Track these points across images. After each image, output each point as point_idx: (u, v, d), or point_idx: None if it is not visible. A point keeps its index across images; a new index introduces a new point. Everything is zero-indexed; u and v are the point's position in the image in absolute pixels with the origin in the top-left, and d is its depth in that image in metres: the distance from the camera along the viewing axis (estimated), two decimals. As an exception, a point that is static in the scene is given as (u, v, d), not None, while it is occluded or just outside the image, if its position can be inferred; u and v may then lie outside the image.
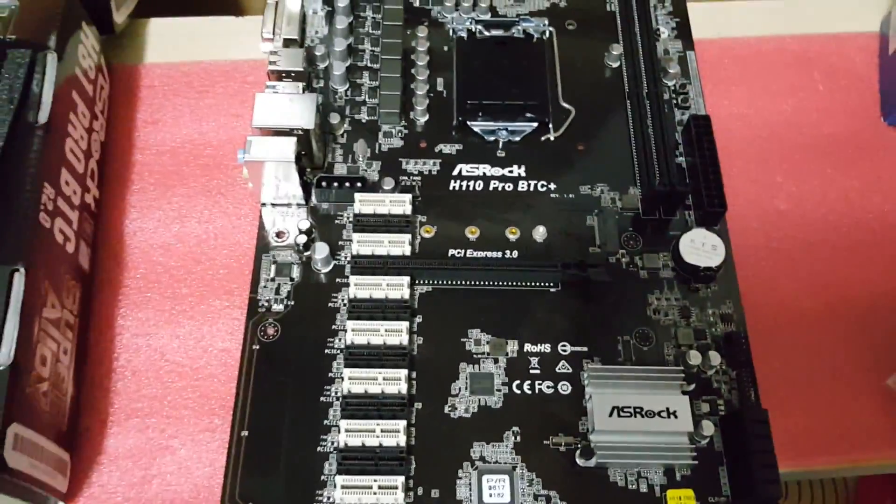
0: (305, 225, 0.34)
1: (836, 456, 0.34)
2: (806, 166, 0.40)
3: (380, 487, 0.29)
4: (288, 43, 0.37)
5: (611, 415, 0.30)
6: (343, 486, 0.29)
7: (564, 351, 0.32)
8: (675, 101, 0.39)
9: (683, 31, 0.40)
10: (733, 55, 0.43)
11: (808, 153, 0.40)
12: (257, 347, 0.32)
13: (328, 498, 0.29)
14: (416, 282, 0.33)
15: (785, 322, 0.36)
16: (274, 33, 0.38)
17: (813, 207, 0.39)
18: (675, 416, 0.30)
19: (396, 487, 0.29)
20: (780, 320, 0.36)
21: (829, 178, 0.39)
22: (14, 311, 0.28)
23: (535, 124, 0.37)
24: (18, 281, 0.29)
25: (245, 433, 0.30)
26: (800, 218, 0.38)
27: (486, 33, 0.40)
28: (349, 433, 0.30)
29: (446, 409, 0.31)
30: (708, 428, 0.30)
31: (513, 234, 0.35)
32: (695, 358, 0.32)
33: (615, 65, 0.39)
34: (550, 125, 0.38)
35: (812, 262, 0.37)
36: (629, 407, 0.30)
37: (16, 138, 0.31)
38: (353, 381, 0.30)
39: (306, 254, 0.34)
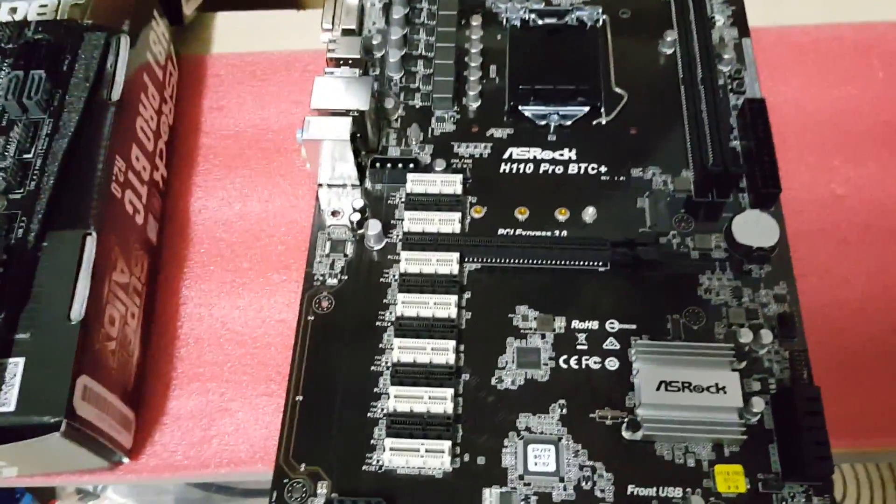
0: (359, 204, 0.35)
1: (890, 437, 0.33)
2: (863, 152, 0.39)
3: (427, 451, 0.29)
4: (346, 32, 0.39)
5: (658, 388, 0.30)
6: (392, 449, 0.29)
7: (612, 328, 0.33)
8: (730, 87, 0.38)
9: (739, 18, 0.40)
10: (790, 42, 0.42)
11: (866, 139, 0.39)
12: (312, 318, 0.33)
13: (377, 460, 0.30)
14: (466, 259, 0.34)
15: (839, 304, 0.35)
16: (333, 24, 0.39)
17: (870, 192, 0.38)
18: (725, 392, 0.30)
19: (443, 452, 0.29)
20: (835, 302, 0.35)
21: (886, 163, 0.39)
22: (86, 272, 0.30)
23: (587, 108, 0.38)
24: (91, 244, 0.30)
25: (300, 398, 0.31)
26: (857, 202, 0.38)
27: (540, 22, 0.40)
28: (398, 399, 0.30)
29: (493, 381, 0.32)
30: (758, 405, 0.30)
31: (562, 215, 0.35)
32: (746, 335, 0.31)
33: (669, 52, 0.40)
34: (602, 109, 0.38)
35: (868, 245, 0.36)
36: (677, 381, 0.30)
37: (91, 113, 0.33)
38: (402, 350, 0.31)
39: (360, 231, 0.35)
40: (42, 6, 0.37)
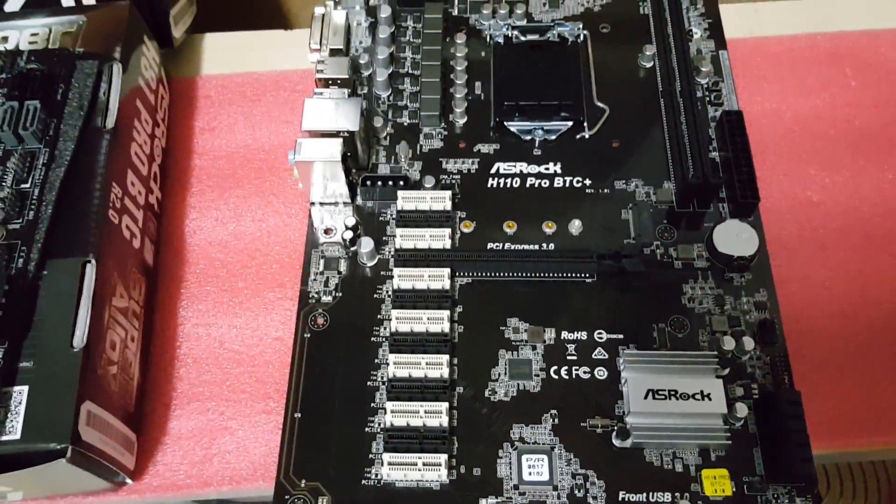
0: (351, 221, 0.36)
1: (870, 438, 0.34)
2: (838, 159, 0.40)
3: (424, 465, 0.30)
4: (334, 52, 0.40)
5: (646, 397, 0.31)
6: (390, 464, 0.30)
7: (600, 338, 0.34)
8: (708, 99, 0.39)
9: (715, 31, 0.41)
10: (765, 53, 0.44)
11: (841, 146, 0.41)
12: (308, 336, 0.34)
13: (376, 475, 0.31)
14: (457, 274, 0.35)
15: (818, 309, 0.36)
16: (321, 44, 0.40)
17: (845, 198, 0.39)
18: (710, 399, 0.31)
19: (440, 465, 0.30)
20: (814, 307, 0.36)
21: (861, 169, 0.40)
22: (87, 299, 0.30)
23: (571, 123, 0.39)
24: (90, 271, 0.31)
25: (298, 415, 0.32)
26: (833, 208, 0.39)
27: (523, 38, 0.41)
28: (394, 414, 0.31)
29: (486, 393, 0.32)
30: (742, 410, 0.31)
31: (549, 228, 0.36)
32: (728, 343, 0.32)
33: (648, 65, 0.41)
34: (585, 123, 0.39)
35: (844, 250, 0.38)
36: (664, 389, 0.31)
37: (86, 142, 0.34)
38: (397, 365, 0.32)
39: (352, 248, 0.36)
40: (33, 35, 0.37)
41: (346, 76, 0.38)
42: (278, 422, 0.32)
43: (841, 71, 0.43)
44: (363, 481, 0.31)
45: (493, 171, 0.38)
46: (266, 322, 0.37)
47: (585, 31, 0.42)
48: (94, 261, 0.31)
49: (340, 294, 0.35)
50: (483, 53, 0.41)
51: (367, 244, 0.35)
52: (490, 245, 0.36)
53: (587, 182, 0.37)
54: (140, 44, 0.39)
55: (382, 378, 0.33)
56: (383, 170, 0.38)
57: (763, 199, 0.35)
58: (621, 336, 0.34)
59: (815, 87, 0.42)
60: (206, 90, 0.44)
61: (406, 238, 0.35)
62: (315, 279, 0.35)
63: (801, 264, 0.37)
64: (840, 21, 0.45)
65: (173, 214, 0.40)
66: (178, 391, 0.36)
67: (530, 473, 0.31)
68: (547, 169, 0.38)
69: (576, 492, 0.30)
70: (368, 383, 0.33)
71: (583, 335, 0.34)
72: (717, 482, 0.30)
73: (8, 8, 0.41)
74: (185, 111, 0.43)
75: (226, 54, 0.45)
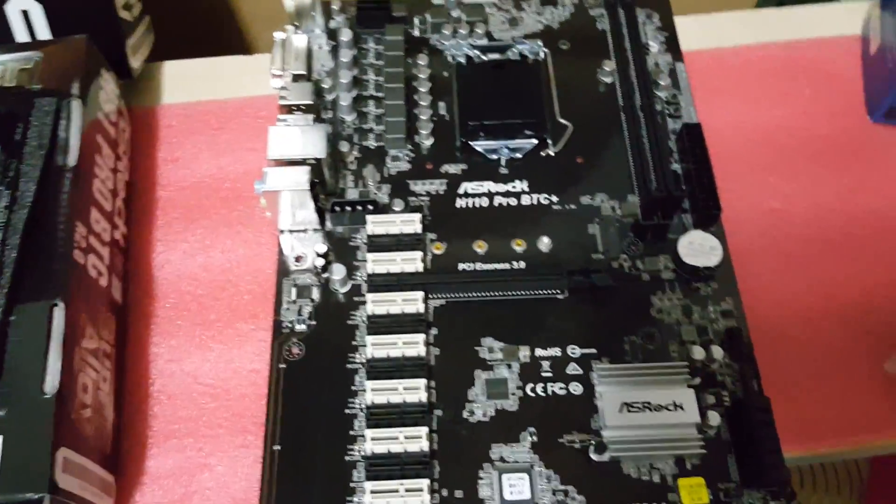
0: (322, 248, 0.36)
1: (839, 439, 0.35)
2: (797, 167, 0.41)
3: (406, 490, 0.30)
4: (297, 77, 0.39)
5: (621, 410, 0.32)
6: (372, 492, 0.30)
7: (574, 354, 0.34)
8: (667, 112, 0.40)
9: (672, 44, 0.42)
10: (722, 64, 0.45)
11: (799, 154, 0.42)
12: (284, 366, 0.33)
13: (359, 503, 0.31)
14: (430, 296, 0.35)
15: (783, 314, 0.37)
16: (283, 69, 0.40)
17: (805, 205, 0.40)
18: (682, 409, 0.31)
19: (422, 490, 0.30)
20: (779, 313, 0.37)
21: (819, 176, 0.41)
22: (56, 343, 0.30)
23: (535, 141, 0.39)
24: (59, 314, 0.31)
25: (277, 447, 0.32)
26: (793, 216, 0.40)
27: (484, 57, 0.42)
28: (375, 441, 0.31)
29: (465, 414, 0.33)
30: (714, 418, 0.32)
31: (519, 246, 0.37)
32: (698, 353, 0.33)
33: (608, 80, 0.41)
34: (549, 141, 0.39)
35: (806, 256, 0.39)
36: (638, 402, 0.32)
37: (48, 181, 0.33)
38: (375, 392, 0.32)
39: (324, 275, 0.36)
40: (-12, 73, 0.37)
41: (311, 102, 0.38)
42: (257, 455, 0.32)
43: (795, 80, 0.44)
44: (346, 511, 0.31)
45: (461, 191, 0.38)
46: (240, 354, 0.37)
47: (545, 49, 0.42)
48: (61, 304, 0.31)
49: (315, 322, 0.35)
50: (446, 73, 0.42)
51: (339, 271, 0.35)
52: (462, 266, 0.36)
53: (554, 199, 0.38)
54: (98, 77, 0.39)
55: (361, 405, 0.33)
56: (352, 194, 0.38)
57: (725, 208, 0.36)
58: (594, 350, 0.34)
59: (771, 96, 0.44)
60: (168, 120, 0.43)
61: (378, 262, 0.35)
62: (288, 308, 0.35)
63: (765, 272, 0.38)
64: (793, 30, 0.46)
65: (140, 249, 0.39)
66: (153, 430, 0.35)
67: (511, 493, 0.31)
68: (514, 187, 0.38)
69: (557, 509, 0.31)
70: (347, 411, 0.33)
71: (556, 351, 0.34)
72: (693, 490, 0.31)
73: (-40, 45, 0.40)
74: (147, 142, 0.42)
75: (186, 82, 0.45)
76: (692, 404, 0.32)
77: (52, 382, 0.29)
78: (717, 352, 0.33)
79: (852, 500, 0.51)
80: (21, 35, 0.40)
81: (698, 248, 0.35)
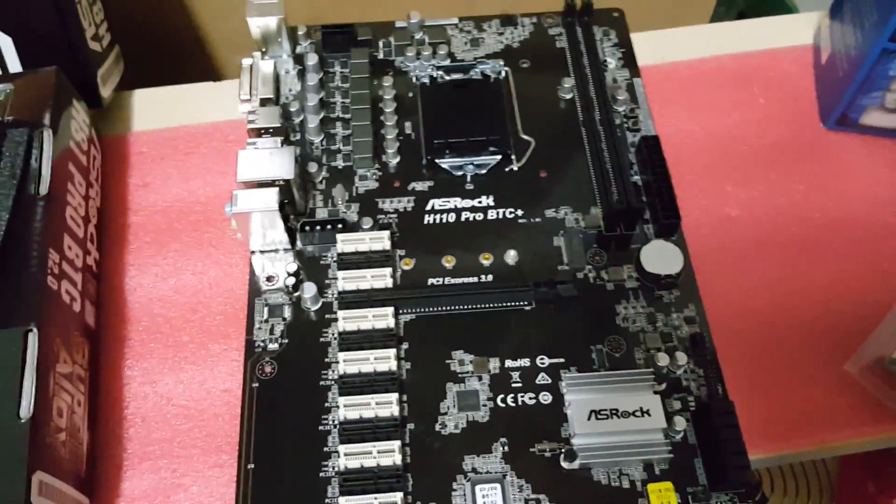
0: (293, 268, 0.37)
1: (803, 439, 0.36)
2: (752, 174, 0.43)
3: (380, 504, 0.31)
4: (264, 102, 0.40)
5: (589, 418, 0.32)
6: (346, 507, 0.31)
7: (543, 364, 0.35)
8: (626, 125, 0.42)
9: (629, 60, 0.44)
10: (677, 77, 0.46)
11: (754, 162, 0.43)
12: (256, 385, 0.34)
13: (334, 519, 0.31)
14: (400, 311, 0.36)
15: (745, 319, 0.38)
16: (251, 94, 0.40)
17: (762, 211, 0.41)
18: (649, 415, 0.32)
19: (396, 503, 0.31)
20: (741, 317, 0.38)
21: (774, 182, 0.42)
22: (31, 368, 0.30)
23: (499, 157, 0.40)
24: (33, 340, 0.31)
25: (252, 466, 0.32)
26: (750, 221, 0.41)
27: (447, 77, 0.43)
28: (348, 456, 0.32)
29: (437, 427, 0.33)
30: (680, 423, 0.33)
31: (486, 260, 0.37)
32: (662, 359, 0.34)
33: (568, 96, 0.43)
34: (513, 156, 0.40)
35: (765, 261, 0.40)
36: (605, 409, 0.32)
37: (20, 210, 0.34)
38: (348, 408, 0.33)
39: (296, 294, 0.36)
40: (-40, 105, 0.37)
41: (279, 125, 0.39)
42: (232, 475, 0.32)
43: (749, 90, 0.46)
44: (322, 527, 0.31)
45: (428, 207, 0.39)
46: (213, 375, 0.37)
47: (507, 68, 0.43)
48: (35, 329, 0.31)
49: (287, 340, 0.35)
50: (410, 94, 0.43)
51: (310, 289, 0.36)
52: (431, 280, 0.37)
53: (519, 212, 0.39)
54: (69, 107, 0.39)
55: (334, 421, 0.33)
56: (321, 214, 0.39)
57: (684, 217, 0.37)
58: (562, 360, 0.35)
59: (726, 106, 0.45)
60: (139, 146, 0.44)
61: (348, 280, 0.36)
62: (260, 328, 0.36)
63: (725, 277, 0.39)
64: (745, 42, 0.48)
65: (112, 274, 0.40)
66: (128, 451, 0.35)
67: (485, 503, 0.32)
68: (480, 202, 0.39)
69: (530, 517, 0.31)
70: (320, 427, 0.33)
71: (525, 362, 0.35)
72: (662, 495, 0.32)
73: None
74: (118, 169, 0.43)
75: (156, 109, 0.46)
76: (658, 410, 0.32)
77: (26, 407, 0.30)
78: (682, 357, 0.34)
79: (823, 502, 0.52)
80: (-9, 67, 0.41)
81: (660, 256, 0.36)
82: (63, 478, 0.31)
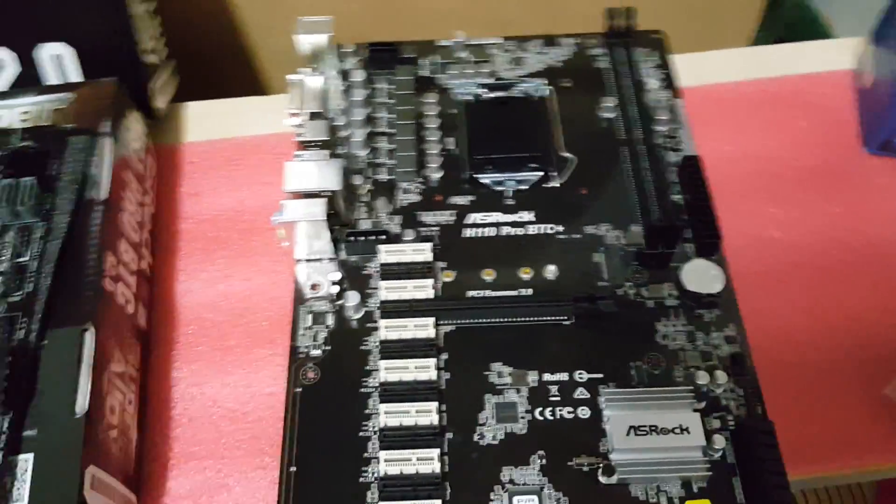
0: (337, 277, 0.37)
1: (840, 463, 0.36)
2: (793, 196, 0.43)
3: (419, 511, 0.31)
4: (313, 116, 0.41)
5: (628, 434, 0.32)
6: (386, 511, 0.31)
7: (581, 378, 0.35)
8: (667, 145, 0.42)
9: (670, 81, 0.44)
10: (718, 99, 0.46)
11: (793, 184, 0.43)
12: (300, 390, 0.34)
13: (373, 524, 0.32)
14: (440, 322, 0.36)
15: (784, 340, 0.38)
16: (300, 108, 0.41)
17: (802, 234, 0.41)
18: (688, 432, 0.32)
19: (435, 510, 0.31)
20: (779, 339, 0.38)
21: (814, 205, 0.42)
22: (86, 366, 0.31)
23: (540, 173, 0.41)
24: (89, 339, 0.32)
25: (293, 469, 0.33)
26: (789, 243, 0.41)
27: (490, 95, 0.44)
28: (388, 463, 0.32)
29: (475, 437, 0.34)
30: (719, 442, 0.32)
31: (526, 274, 0.38)
32: (703, 378, 0.34)
33: (609, 115, 0.43)
34: (554, 173, 0.41)
35: (804, 283, 0.40)
36: (645, 425, 0.32)
37: (80, 214, 0.35)
38: (388, 415, 0.33)
39: (339, 303, 0.37)
40: (24, 113, 0.39)
41: (326, 138, 0.40)
42: (274, 477, 0.33)
43: (789, 112, 0.46)
44: (361, 531, 0.31)
45: (469, 221, 0.40)
46: (258, 379, 0.38)
47: (549, 87, 0.44)
48: (92, 329, 0.32)
49: (329, 347, 0.36)
50: (454, 110, 0.43)
51: (353, 298, 0.36)
52: (470, 293, 0.37)
53: (559, 228, 0.39)
54: (127, 116, 0.41)
55: (374, 428, 0.34)
56: (364, 224, 0.40)
57: (725, 237, 0.37)
58: (601, 375, 0.35)
59: (766, 129, 0.45)
60: (191, 157, 0.45)
61: (390, 290, 0.37)
62: (304, 334, 0.36)
63: (765, 298, 0.40)
64: (786, 66, 0.48)
65: (164, 278, 0.41)
66: (174, 451, 0.36)
67: (522, 514, 0.32)
68: (520, 217, 0.40)
69: (566, 529, 0.32)
70: (361, 433, 0.34)
71: (564, 376, 0.35)
72: (700, 512, 0.32)
73: (-4, 88, 0.42)
74: (170, 178, 0.44)
75: (207, 122, 0.47)
76: (698, 428, 0.32)
77: (82, 403, 0.31)
78: (722, 376, 0.34)
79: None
80: (53, 78, 0.42)
81: (701, 275, 0.36)
82: (113, 473, 0.32)
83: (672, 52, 0.45)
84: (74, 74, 0.42)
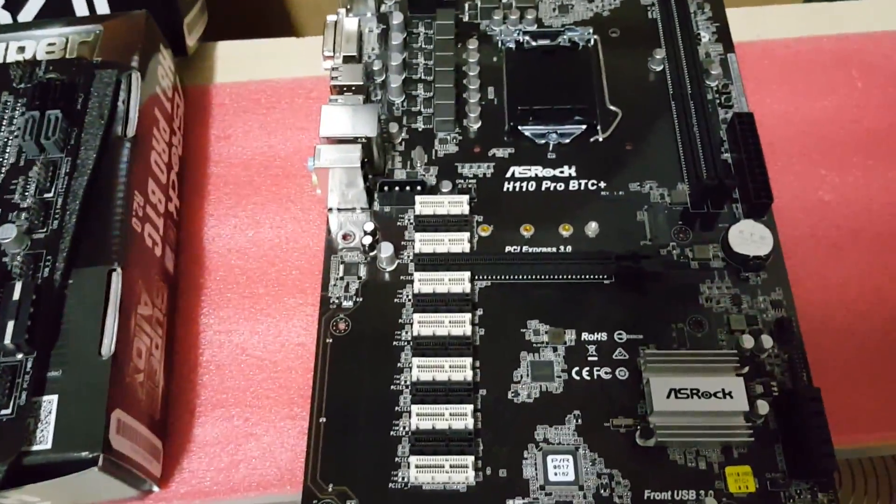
0: (370, 227, 0.36)
1: (888, 432, 0.35)
2: (848, 159, 0.41)
3: (451, 467, 0.30)
4: (347, 59, 0.40)
5: (668, 396, 0.31)
6: (417, 466, 0.30)
7: (620, 339, 0.34)
8: (718, 101, 0.40)
9: (723, 34, 0.42)
10: (773, 56, 0.44)
11: (850, 147, 0.41)
12: (330, 341, 0.34)
13: (403, 478, 0.31)
14: (476, 277, 0.35)
15: (833, 307, 0.37)
16: (334, 51, 0.40)
17: (856, 198, 0.40)
18: (731, 397, 0.31)
19: (467, 467, 0.30)
20: (829, 305, 0.37)
21: (870, 169, 0.41)
22: (113, 307, 0.31)
23: (584, 126, 0.39)
24: (116, 280, 0.31)
25: (323, 420, 0.32)
26: (844, 208, 0.39)
27: (534, 43, 0.42)
28: (420, 417, 0.31)
29: (509, 395, 0.33)
30: (763, 407, 0.31)
31: (566, 231, 0.36)
32: (748, 342, 0.33)
33: (659, 69, 0.41)
34: (599, 127, 0.39)
35: (856, 249, 0.38)
36: (686, 388, 0.31)
37: (107, 150, 0.34)
38: (421, 368, 0.32)
39: (371, 254, 0.36)
40: (50, 45, 0.37)
41: (361, 83, 0.38)
42: (303, 427, 0.32)
43: (847, 73, 0.44)
44: (390, 484, 0.31)
45: (508, 174, 0.38)
46: (288, 328, 0.37)
47: (595, 36, 0.42)
48: (119, 269, 0.31)
49: (361, 299, 0.35)
50: (495, 59, 0.42)
51: (387, 249, 0.35)
52: (508, 248, 0.36)
53: (602, 185, 0.38)
54: (156, 52, 0.39)
55: (406, 382, 0.33)
56: (399, 175, 0.38)
57: (776, 199, 0.36)
58: (641, 336, 0.34)
59: (822, 89, 0.43)
60: (221, 98, 0.44)
61: (425, 242, 0.35)
62: (335, 285, 0.35)
63: (816, 263, 0.38)
64: (843, 24, 0.46)
65: (192, 222, 0.40)
66: (201, 398, 0.36)
67: (556, 474, 0.31)
68: (562, 172, 0.38)
69: (601, 491, 0.31)
70: (392, 387, 0.33)
71: (603, 336, 0.34)
72: (740, 479, 0.31)
73: (22, 17, 0.41)
74: (200, 119, 0.43)
75: (238, 62, 0.46)
76: (741, 392, 0.31)
77: (108, 345, 0.30)
78: (767, 341, 0.33)
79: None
80: (81, 9, 0.41)
81: (749, 237, 0.35)
82: (139, 418, 0.31)
83: (727, 5, 0.43)
84: (101, 5, 0.41)
